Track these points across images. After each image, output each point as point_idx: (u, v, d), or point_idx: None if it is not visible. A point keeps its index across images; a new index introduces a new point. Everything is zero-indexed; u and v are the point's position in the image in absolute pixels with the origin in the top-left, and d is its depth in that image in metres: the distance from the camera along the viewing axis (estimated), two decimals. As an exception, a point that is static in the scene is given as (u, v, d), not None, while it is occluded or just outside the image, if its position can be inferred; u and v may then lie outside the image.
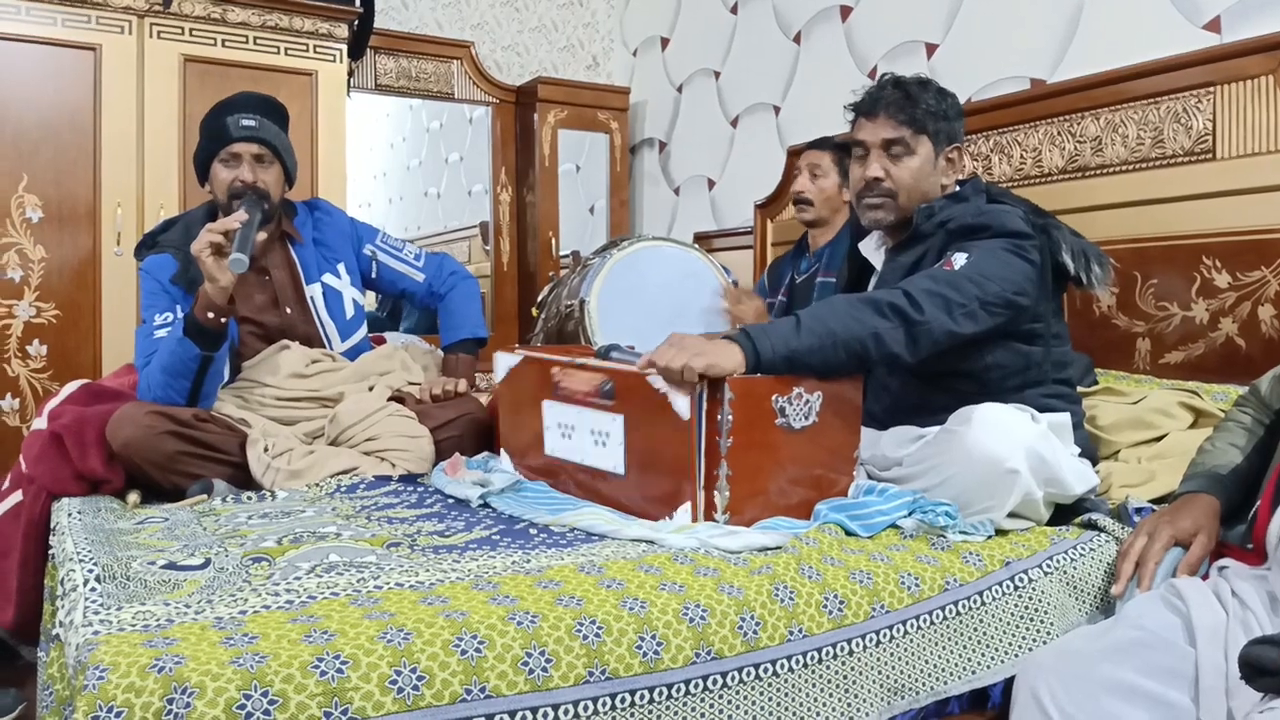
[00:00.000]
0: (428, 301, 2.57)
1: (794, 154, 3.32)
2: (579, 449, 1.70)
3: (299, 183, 2.53)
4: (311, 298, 2.31)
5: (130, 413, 1.90)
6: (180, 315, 2.11)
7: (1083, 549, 1.56)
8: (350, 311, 2.37)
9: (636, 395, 1.55)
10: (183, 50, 3.27)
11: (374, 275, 2.48)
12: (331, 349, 2.30)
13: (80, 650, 1.01)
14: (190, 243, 2.17)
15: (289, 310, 2.29)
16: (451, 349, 2.49)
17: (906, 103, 1.81)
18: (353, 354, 2.34)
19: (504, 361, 1.89)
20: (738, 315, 2.32)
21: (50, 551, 1.66)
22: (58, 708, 1.16)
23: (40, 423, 2.00)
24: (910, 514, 1.55)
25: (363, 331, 2.40)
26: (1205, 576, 1.38)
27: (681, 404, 1.46)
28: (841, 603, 1.32)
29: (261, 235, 2.07)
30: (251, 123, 2.22)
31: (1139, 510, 1.63)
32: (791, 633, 1.27)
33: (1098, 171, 2.43)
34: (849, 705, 1.28)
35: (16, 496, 1.96)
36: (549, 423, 1.76)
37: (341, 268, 2.38)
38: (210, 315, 1.99)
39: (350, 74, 3.77)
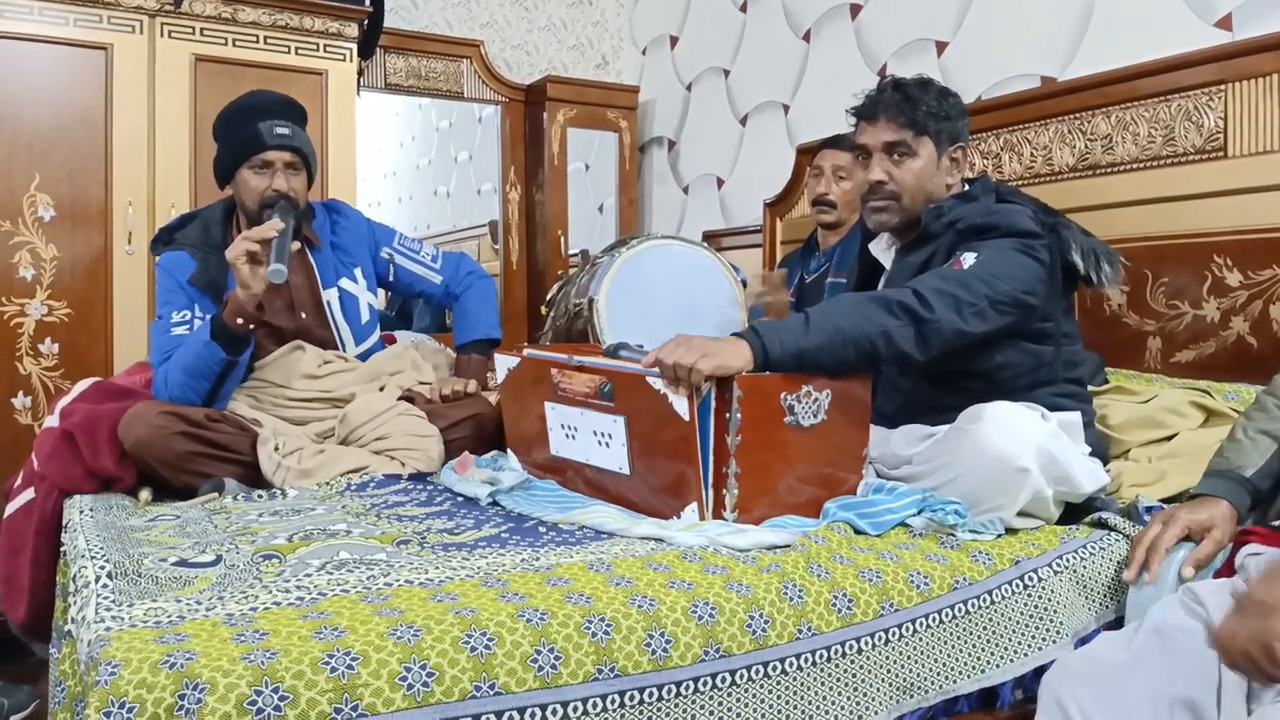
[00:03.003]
0: (444, 302, 2.56)
1: (805, 153, 3.31)
2: (583, 449, 1.70)
3: (308, 180, 2.52)
4: (328, 303, 2.29)
5: (142, 412, 1.91)
6: (197, 314, 2.11)
7: (1093, 548, 1.55)
8: (365, 316, 2.36)
9: (636, 396, 1.54)
10: (194, 50, 3.28)
11: (391, 278, 2.47)
12: (345, 353, 2.30)
13: (92, 646, 1.02)
14: (208, 241, 2.18)
15: (304, 315, 2.27)
16: (464, 349, 2.48)
17: (906, 105, 1.80)
18: (365, 357, 2.33)
19: (503, 363, 1.88)
20: (774, 299, 2.40)
21: (62, 548, 1.68)
22: (70, 704, 1.17)
23: (52, 421, 2.02)
24: (920, 512, 1.55)
25: (376, 335, 2.39)
26: (1227, 564, 1.37)
27: (681, 405, 1.45)
28: (850, 601, 1.32)
29: (295, 245, 2.06)
30: (286, 131, 2.21)
31: (1150, 509, 1.62)
32: (800, 631, 1.27)
33: (1109, 170, 2.42)
34: (858, 704, 1.28)
35: (29, 494, 1.98)
36: (552, 424, 1.76)
37: (358, 272, 2.36)
38: (239, 321, 2.00)
39: (360, 73, 3.77)
